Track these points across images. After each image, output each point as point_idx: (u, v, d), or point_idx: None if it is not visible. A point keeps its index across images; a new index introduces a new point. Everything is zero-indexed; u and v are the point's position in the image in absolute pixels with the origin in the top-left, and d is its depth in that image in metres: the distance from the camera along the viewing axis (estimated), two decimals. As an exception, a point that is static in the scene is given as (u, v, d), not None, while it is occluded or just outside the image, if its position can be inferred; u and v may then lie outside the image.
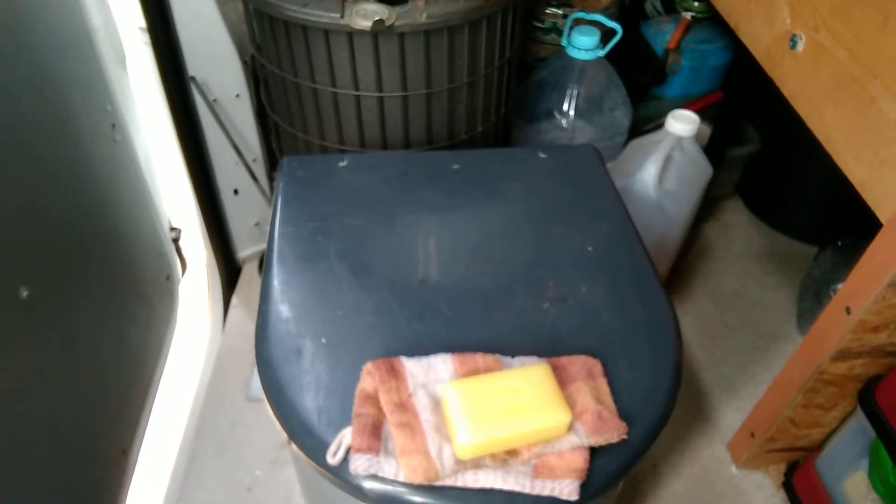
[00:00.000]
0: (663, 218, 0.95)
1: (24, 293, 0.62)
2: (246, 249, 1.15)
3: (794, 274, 1.19)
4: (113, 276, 0.83)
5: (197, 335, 1.07)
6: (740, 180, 1.33)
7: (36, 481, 0.63)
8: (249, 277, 1.14)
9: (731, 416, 0.98)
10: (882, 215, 0.61)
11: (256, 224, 1.13)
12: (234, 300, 1.11)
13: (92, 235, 0.78)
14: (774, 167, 1.25)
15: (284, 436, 0.53)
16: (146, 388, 0.90)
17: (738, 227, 1.30)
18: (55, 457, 0.66)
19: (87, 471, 0.73)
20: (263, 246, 1.15)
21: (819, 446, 0.87)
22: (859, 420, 0.76)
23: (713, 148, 1.13)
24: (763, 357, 1.06)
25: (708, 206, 1.32)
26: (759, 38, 0.78)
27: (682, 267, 1.20)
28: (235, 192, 1.05)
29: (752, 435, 0.88)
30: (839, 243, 1.06)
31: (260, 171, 1.04)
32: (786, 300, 1.15)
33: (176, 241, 1.02)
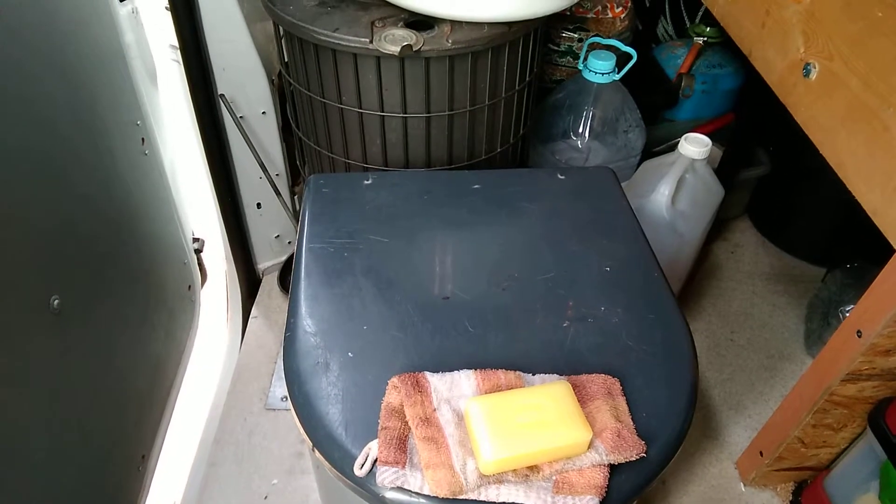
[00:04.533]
0: (675, 238, 0.96)
1: (56, 302, 0.64)
2: (266, 261, 1.18)
3: (801, 294, 1.20)
4: (136, 284, 0.85)
5: (216, 344, 1.09)
6: (750, 201, 1.35)
7: (57, 483, 0.64)
8: (269, 289, 1.16)
9: (740, 433, 0.99)
10: (895, 241, 0.62)
11: (277, 237, 1.15)
12: (254, 311, 1.13)
13: (118, 245, 0.80)
14: (783, 189, 1.27)
15: (310, 445, 0.54)
16: (166, 395, 0.92)
17: (747, 247, 1.32)
18: (77, 460, 0.68)
19: (107, 474, 0.75)
20: (283, 258, 1.17)
21: (828, 466, 0.88)
22: (869, 442, 0.77)
23: (724, 170, 1.15)
24: (771, 376, 1.08)
25: (718, 226, 1.33)
26: (772, 66, 0.79)
27: (693, 286, 1.22)
28: (258, 205, 1.08)
29: (761, 453, 0.89)
30: (848, 265, 1.08)
31: (283, 185, 1.07)
32: (794, 320, 1.17)
33: (199, 251, 1.05)
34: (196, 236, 1.07)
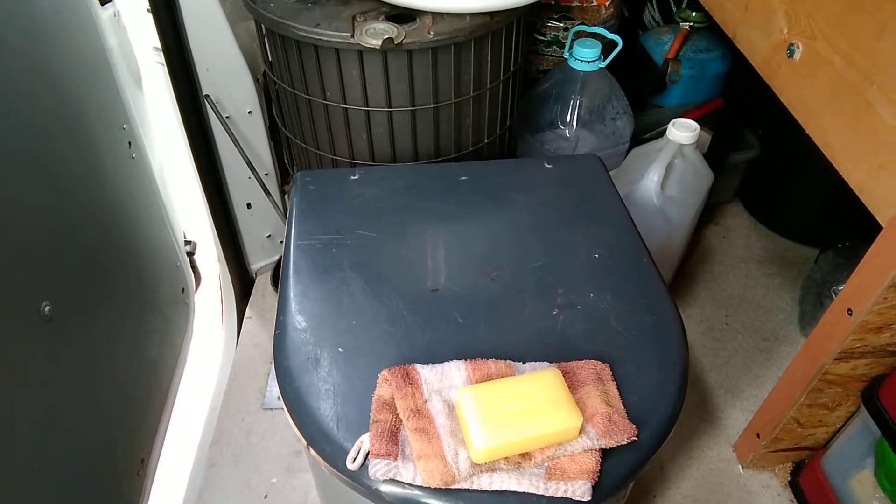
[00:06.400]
0: (666, 224, 0.96)
1: (46, 308, 0.64)
2: (259, 261, 1.18)
3: (795, 276, 1.21)
4: (130, 289, 0.85)
5: (212, 346, 1.10)
6: (740, 185, 1.35)
7: (57, 490, 0.64)
8: (263, 289, 1.16)
9: (737, 416, 0.99)
10: (881, 218, 0.62)
11: (269, 236, 1.15)
12: (248, 311, 1.13)
13: (110, 250, 0.80)
14: (774, 172, 1.27)
15: (303, 442, 0.54)
16: (163, 398, 0.92)
17: (739, 231, 1.32)
18: (76, 466, 0.68)
19: (106, 479, 0.75)
20: (276, 258, 1.17)
21: (824, 446, 0.88)
22: (864, 419, 0.77)
23: (714, 154, 1.15)
24: (767, 359, 1.08)
25: (709, 210, 1.33)
26: (756, 48, 0.80)
27: (686, 271, 1.22)
28: (248, 205, 1.08)
29: (758, 435, 0.89)
30: (839, 245, 1.08)
31: (272, 185, 1.06)
32: (788, 302, 1.17)
33: (191, 254, 1.05)
34: (188, 239, 1.07)
